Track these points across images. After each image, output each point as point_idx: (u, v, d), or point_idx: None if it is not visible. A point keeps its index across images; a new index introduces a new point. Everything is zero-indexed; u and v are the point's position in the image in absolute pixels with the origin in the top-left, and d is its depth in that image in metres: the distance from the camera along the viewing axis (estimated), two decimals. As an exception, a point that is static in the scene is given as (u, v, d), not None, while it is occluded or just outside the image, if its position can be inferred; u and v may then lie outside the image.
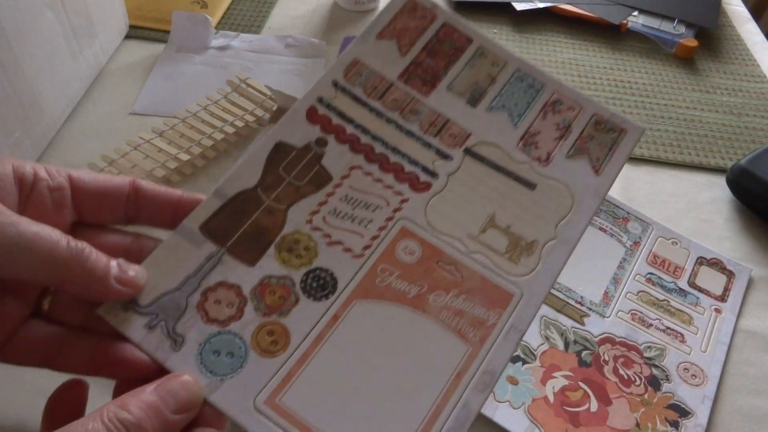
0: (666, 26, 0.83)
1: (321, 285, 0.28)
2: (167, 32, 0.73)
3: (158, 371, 0.25)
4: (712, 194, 0.63)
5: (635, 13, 0.85)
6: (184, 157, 0.57)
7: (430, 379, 0.26)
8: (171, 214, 0.29)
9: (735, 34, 0.86)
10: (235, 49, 0.73)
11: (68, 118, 0.62)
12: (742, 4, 0.93)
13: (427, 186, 0.30)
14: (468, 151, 0.31)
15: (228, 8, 0.80)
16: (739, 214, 0.62)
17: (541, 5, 0.84)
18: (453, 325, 0.27)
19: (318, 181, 0.30)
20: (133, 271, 0.26)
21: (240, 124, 0.61)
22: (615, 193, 0.61)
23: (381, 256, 0.28)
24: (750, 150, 0.67)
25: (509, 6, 0.84)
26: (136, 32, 0.74)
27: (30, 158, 0.56)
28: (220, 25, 0.77)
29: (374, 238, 0.29)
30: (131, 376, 0.26)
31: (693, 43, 0.79)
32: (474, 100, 0.32)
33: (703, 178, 0.65)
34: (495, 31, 0.82)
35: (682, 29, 0.83)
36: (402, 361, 0.26)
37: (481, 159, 0.31)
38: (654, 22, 0.84)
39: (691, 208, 0.62)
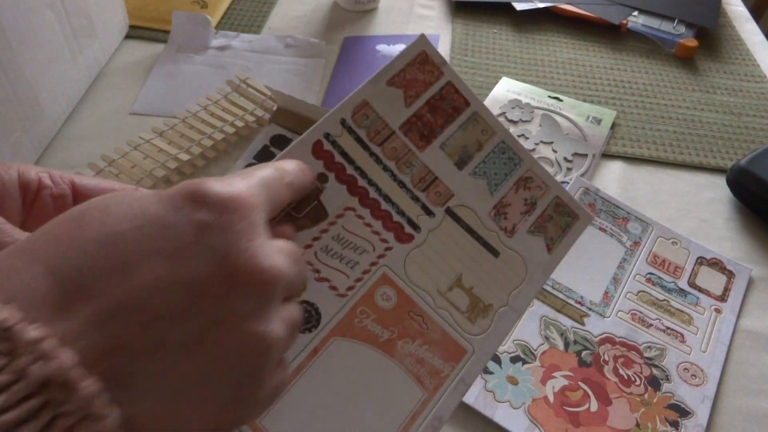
0: (666, 26, 0.83)
1: (306, 318, 0.29)
2: (167, 32, 0.73)
3: None
4: (712, 194, 0.63)
5: (635, 13, 0.85)
6: (184, 157, 0.57)
7: (390, 417, 0.29)
8: None
9: (735, 34, 0.86)
10: (235, 49, 0.73)
11: (68, 118, 0.62)
12: (742, 4, 0.93)
13: (410, 238, 0.32)
14: (449, 211, 0.33)
15: (228, 8, 0.80)
16: (739, 214, 0.62)
17: (541, 5, 0.84)
18: (414, 371, 0.30)
19: (315, 216, 0.30)
20: None
21: (240, 124, 0.61)
22: (615, 193, 0.61)
23: (361, 298, 0.30)
24: (750, 150, 0.67)
25: (509, 6, 0.84)
26: (136, 32, 0.74)
27: (30, 158, 0.56)
28: (220, 25, 0.77)
29: (358, 280, 0.31)
30: None
31: (693, 43, 0.79)
32: (461, 163, 0.34)
33: (703, 178, 0.65)
34: (495, 30, 0.82)
35: (682, 29, 0.83)
36: (368, 398, 0.29)
37: (458, 220, 0.33)
38: (654, 22, 0.84)
39: (691, 208, 0.62)
